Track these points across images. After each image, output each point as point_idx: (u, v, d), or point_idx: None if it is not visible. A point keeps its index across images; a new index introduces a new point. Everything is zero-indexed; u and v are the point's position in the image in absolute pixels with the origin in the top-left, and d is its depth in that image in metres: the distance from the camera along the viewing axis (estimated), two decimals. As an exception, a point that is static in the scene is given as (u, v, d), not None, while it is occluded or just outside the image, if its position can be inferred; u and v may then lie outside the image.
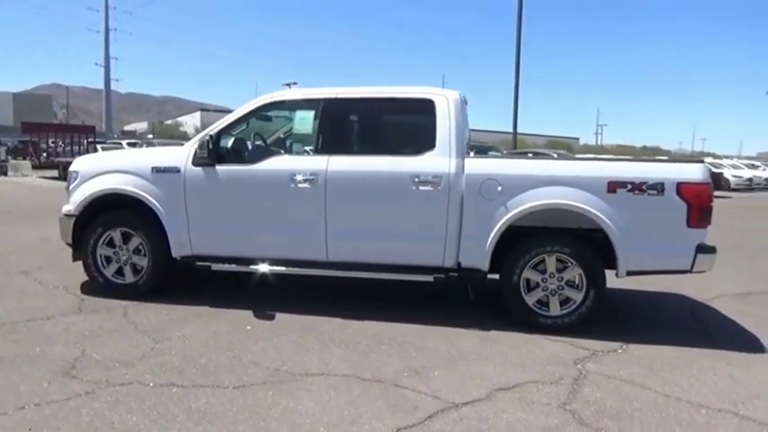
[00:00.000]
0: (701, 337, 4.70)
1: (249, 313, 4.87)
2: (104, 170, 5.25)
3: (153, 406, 3.17)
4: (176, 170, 5.06)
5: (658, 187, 4.43)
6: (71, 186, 5.35)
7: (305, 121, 5.04)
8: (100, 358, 3.83)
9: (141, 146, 24.12)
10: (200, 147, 4.92)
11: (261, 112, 5.23)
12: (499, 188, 4.58)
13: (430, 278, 4.79)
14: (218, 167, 4.98)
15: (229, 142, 4.95)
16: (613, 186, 4.47)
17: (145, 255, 5.22)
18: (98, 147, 24.86)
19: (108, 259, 5.31)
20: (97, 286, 5.31)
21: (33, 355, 3.86)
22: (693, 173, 4.48)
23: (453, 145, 4.72)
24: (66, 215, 5.29)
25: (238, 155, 5.01)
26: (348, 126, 5.05)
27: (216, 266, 5.09)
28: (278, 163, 4.94)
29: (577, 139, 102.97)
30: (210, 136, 4.97)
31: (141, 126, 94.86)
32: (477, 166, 4.68)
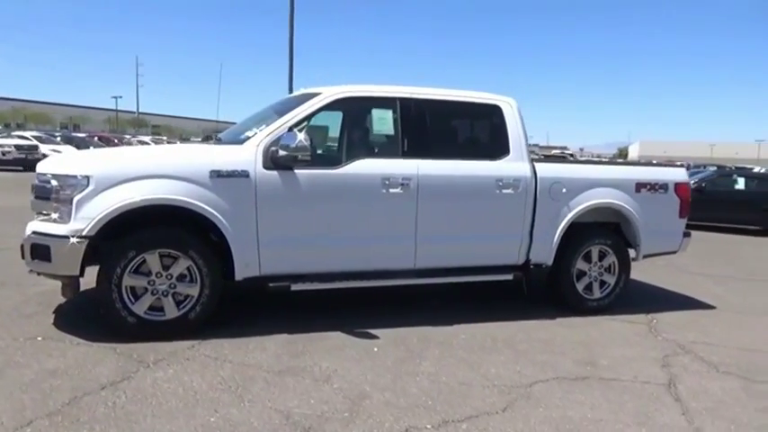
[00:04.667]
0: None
1: (343, 336, 4.35)
2: (138, 174, 3.95)
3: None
4: (245, 174, 4.16)
5: (666, 187, 5.56)
6: (77, 196, 3.86)
7: (384, 122, 4.69)
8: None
9: None
10: (282, 148, 4.15)
11: (332, 109, 4.63)
12: (564, 190, 5.10)
13: (509, 276, 5.04)
14: (298, 171, 4.28)
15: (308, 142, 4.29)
16: (639, 187, 5.44)
17: (194, 281, 4.14)
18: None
19: (134, 292, 4.04)
20: (114, 328, 4.00)
21: None
22: (683, 175, 5.75)
23: (524, 150, 5.04)
24: (70, 237, 3.82)
25: (319, 156, 4.39)
26: (428, 128, 4.84)
27: (296, 286, 4.37)
28: (367, 166, 4.50)
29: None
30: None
31: None
32: (546, 170, 5.09)
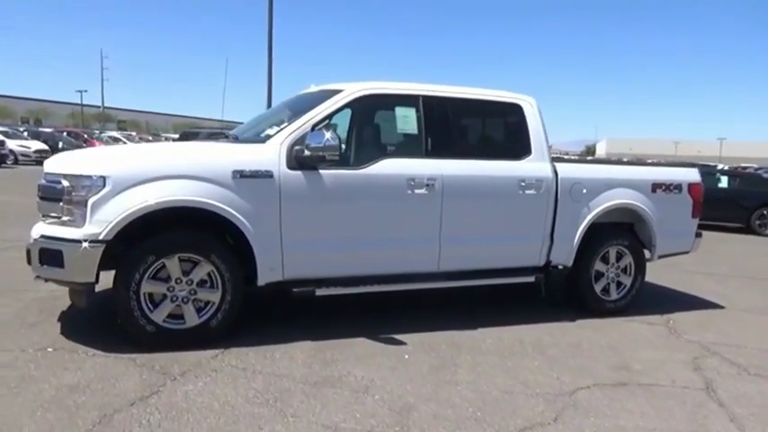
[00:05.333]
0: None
1: (369, 342, 4.20)
2: (157, 175, 3.71)
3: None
4: (269, 175, 3.96)
5: (679, 187, 5.55)
6: (92, 198, 3.60)
7: (407, 120, 4.54)
8: None
9: None
10: (309, 147, 3.97)
11: (354, 106, 4.45)
12: (584, 190, 5.04)
13: (531, 278, 4.96)
14: (323, 171, 4.10)
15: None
16: (655, 187, 5.41)
17: (215, 287, 3.93)
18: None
19: (152, 299, 3.82)
20: (131, 337, 3.78)
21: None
22: (696, 176, 5.74)
23: (545, 150, 4.96)
24: (85, 241, 3.57)
25: (343, 156, 4.22)
26: (450, 127, 4.70)
27: (321, 291, 4.19)
28: (392, 166, 4.34)
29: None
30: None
31: None
32: (566, 170, 5.02)
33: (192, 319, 3.89)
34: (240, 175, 3.88)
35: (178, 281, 3.84)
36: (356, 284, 4.33)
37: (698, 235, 5.84)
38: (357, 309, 4.92)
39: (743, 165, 38.37)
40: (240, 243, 3.97)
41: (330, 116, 4.26)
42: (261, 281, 4.03)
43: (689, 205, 5.64)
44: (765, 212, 12.86)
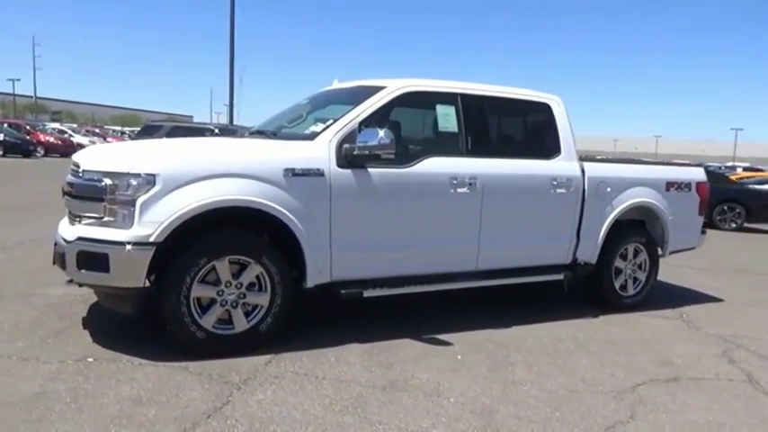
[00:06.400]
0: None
1: (416, 343, 4.14)
2: (209, 173, 3.52)
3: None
4: (319, 173, 3.83)
5: (689, 186, 5.75)
6: (141, 198, 3.38)
7: (448, 118, 4.49)
8: None
9: None
10: (362, 145, 3.86)
11: (398, 103, 4.35)
12: (608, 189, 5.14)
13: (560, 276, 5.02)
14: (371, 170, 4.00)
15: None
16: (668, 186, 5.58)
17: (263, 289, 3.78)
18: None
19: (200, 303, 3.63)
20: (182, 345, 3.59)
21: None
22: (702, 175, 5.96)
23: (573, 149, 5.02)
24: (131, 243, 3.35)
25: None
26: (487, 125, 4.68)
27: (369, 292, 4.10)
28: (436, 165, 4.28)
29: (191, 116, 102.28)
30: (361, 129, 3.97)
31: None
32: (593, 169, 5.10)
33: (241, 324, 3.72)
34: (292, 173, 3.74)
35: (228, 284, 3.66)
36: (401, 285, 4.26)
37: (702, 232, 6.07)
38: (390, 308, 4.85)
39: (676, 161, 40.20)
40: (286, 244, 3.83)
41: (376, 113, 4.16)
42: (310, 282, 3.90)
43: (696, 203, 5.85)
44: (725, 208, 13.55)
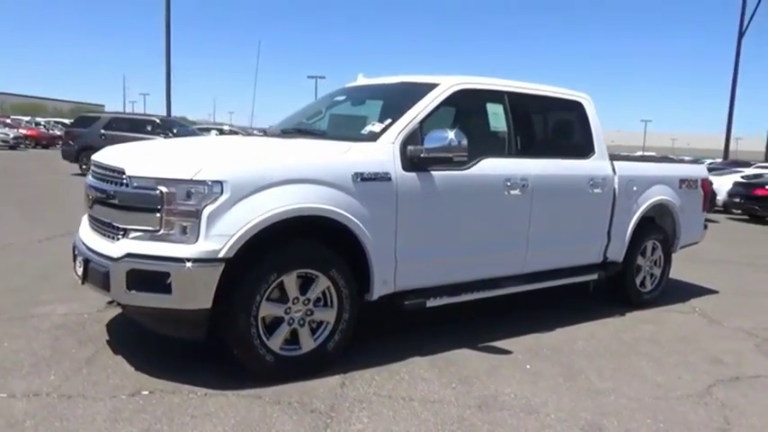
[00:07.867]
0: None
1: (474, 353, 3.97)
2: (279, 179, 3.15)
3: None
4: (387, 177, 3.56)
5: (696, 182, 5.91)
6: (208, 208, 2.98)
7: (498, 117, 4.32)
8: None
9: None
10: (431, 147, 3.62)
11: (452, 101, 4.11)
12: (635, 188, 5.17)
13: (595, 275, 5.00)
14: (434, 173, 3.77)
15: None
16: (681, 183, 5.70)
17: (329, 305, 3.47)
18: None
19: (264, 323, 3.28)
20: (249, 370, 3.23)
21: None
22: (705, 171, 6.14)
23: (604, 148, 5.00)
24: (198, 260, 2.96)
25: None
26: (532, 125, 4.54)
27: (431, 302, 3.87)
28: (491, 167, 4.10)
29: (103, 105, 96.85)
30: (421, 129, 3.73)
31: None
32: (623, 168, 5.10)
33: (308, 344, 3.40)
34: (360, 177, 3.44)
35: (295, 300, 3.33)
36: (459, 293, 4.06)
37: (705, 227, 6.27)
38: (428, 317, 4.62)
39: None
40: (351, 254, 3.54)
41: (434, 111, 3.92)
42: (376, 294, 3.63)
43: (701, 199, 6.03)
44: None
